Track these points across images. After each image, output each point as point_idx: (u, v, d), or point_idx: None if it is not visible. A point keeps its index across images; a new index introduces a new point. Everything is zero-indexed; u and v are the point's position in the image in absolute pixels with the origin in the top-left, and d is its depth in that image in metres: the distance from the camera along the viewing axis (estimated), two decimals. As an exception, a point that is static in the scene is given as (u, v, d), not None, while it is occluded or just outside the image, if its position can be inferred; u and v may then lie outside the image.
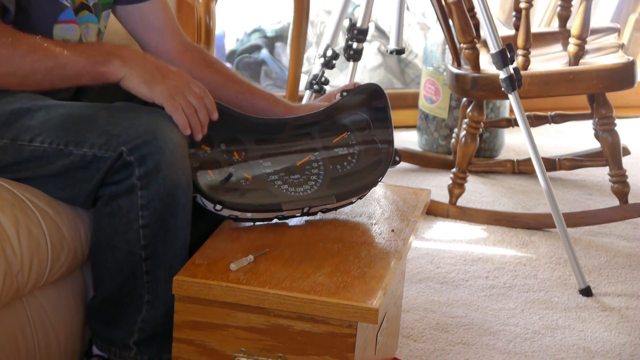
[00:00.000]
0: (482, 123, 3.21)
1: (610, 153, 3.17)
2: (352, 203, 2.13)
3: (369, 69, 4.22)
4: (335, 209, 2.10)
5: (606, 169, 3.24)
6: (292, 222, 2.06)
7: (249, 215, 1.98)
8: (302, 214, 2.05)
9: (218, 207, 1.94)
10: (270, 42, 4.34)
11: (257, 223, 2.02)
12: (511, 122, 3.40)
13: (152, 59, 1.94)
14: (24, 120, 1.92)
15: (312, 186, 2.03)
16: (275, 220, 2.03)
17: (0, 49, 1.86)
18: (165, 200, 1.88)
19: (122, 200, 1.88)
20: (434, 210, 3.23)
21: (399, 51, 3.03)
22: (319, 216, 2.08)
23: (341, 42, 3.72)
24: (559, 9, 3.37)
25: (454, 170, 3.24)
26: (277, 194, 1.99)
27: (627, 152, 3.48)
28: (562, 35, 3.34)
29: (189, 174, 1.91)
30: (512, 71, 2.77)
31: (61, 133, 1.89)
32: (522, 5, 3.03)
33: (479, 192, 3.45)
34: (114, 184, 1.88)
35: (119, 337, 1.98)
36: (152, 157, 1.84)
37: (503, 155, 3.77)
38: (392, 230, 2.08)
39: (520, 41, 3.08)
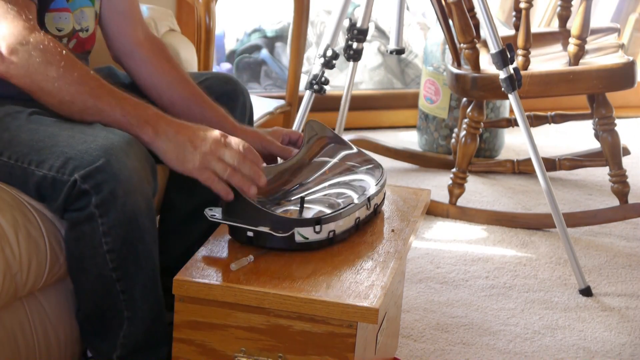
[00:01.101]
0: (482, 123, 3.21)
1: (610, 153, 3.17)
2: (384, 198, 2.16)
3: (369, 69, 4.22)
4: (382, 202, 2.13)
5: (606, 169, 3.24)
6: None
7: (341, 223, 1.97)
8: (369, 212, 2.06)
9: (317, 228, 1.93)
10: (270, 42, 4.34)
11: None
12: (511, 122, 3.40)
13: (185, 129, 1.90)
14: None
15: (351, 194, 2.06)
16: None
17: (53, 68, 1.85)
18: (128, 226, 1.85)
19: (84, 227, 1.86)
20: (434, 210, 3.23)
21: (399, 51, 3.03)
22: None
23: (341, 42, 3.72)
24: (559, 9, 3.36)
25: (454, 170, 3.24)
26: (338, 203, 2.01)
27: (627, 152, 3.48)
28: (562, 35, 3.34)
29: (148, 197, 1.88)
30: (512, 71, 2.77)
31: (25, 151, 1.89)
32: (522, 5, 3.03)
33: (479, 192, 3.45)
34: (75, 210, 1.86)
35: (104, 349, 1.97)
36: (108, 184, 1.82)
37: (503, 155, 3.78)
38: (392, 230, 2.08)
39: (520, 41, 3.08)
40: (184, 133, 1.90)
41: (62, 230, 1.94)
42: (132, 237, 1.87)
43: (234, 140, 1.91)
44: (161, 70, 2.16)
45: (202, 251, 1.92)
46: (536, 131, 3.14)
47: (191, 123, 1.93)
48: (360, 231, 2.05)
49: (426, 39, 3.78)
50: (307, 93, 2.99)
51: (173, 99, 2.14)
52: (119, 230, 1.85)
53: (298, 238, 1.92)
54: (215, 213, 1.93)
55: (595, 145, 3.44)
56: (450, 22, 3.13)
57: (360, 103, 3.99)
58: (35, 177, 1.88)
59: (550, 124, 3.42)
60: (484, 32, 2.79)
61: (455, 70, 3.16)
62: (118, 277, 1.89)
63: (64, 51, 1.87)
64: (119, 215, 1.84)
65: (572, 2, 3.32)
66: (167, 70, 2.17)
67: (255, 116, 3.21)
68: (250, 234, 1.91)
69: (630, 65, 3.10)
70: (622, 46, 3.25)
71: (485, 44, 3.04)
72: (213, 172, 1.89)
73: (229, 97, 2.20)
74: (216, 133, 1.91)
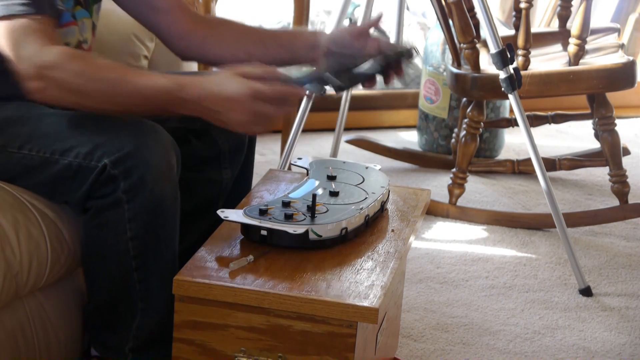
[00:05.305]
0: (482, 123, 3.21)
1: (610, 153, 3.17)
2: (389, 194, 2.17)
3: (369, 69, 4.22)
4: (387, 200, 2.15)
5: (606, 169, 3.24)
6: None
7: (353, 220, 1.97)
8: (377, 210, 2.08)
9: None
10: (270, 42, 4.34)
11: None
12: (511, 122, 3.40)
13: (207, 99, 1.82)
14: (16, 128, 1.92)
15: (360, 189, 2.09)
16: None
17: (72, 91, 1.82)
18: (153, 212, 1.86)
19: (109, 213, 1.87)
20: (434, 210, 3.23)
21: (399, 51, 3.02)
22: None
23: (341, 42, 3.71)
24: (559, 9, 3.37)
25: (454, 170, 3.24)
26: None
27: (627, 152, 3.48)
28: (562, 35, 3.34)
29: (175, 185, 1.89)
30: (512, 71, 2.77)
31: (48, 142, 1.89)
32: (522, 5, 3.04)
33: (479, 192, 3.45)
34: (101, 197, 1.86)
35: (114, 343, 1.97)
36: (137, 170, 1.82)
37: (503, 155, 3.78)
38: (392, 230, 2.08)
39: (520, 41, 3.08)
40: (207, 102, 1.82)
41: (64, 230, 1.94)
42: (156, 224, 1.87)
43: (267, 93, 1.82)
44: (223, 36, 2.16)
45: (202, 251, 1.92)
46: (536, 131, 3.14)
47: (204, 78, 1.84)
48: (361, 231, 2.05)
49: (426, 39, 3.78)
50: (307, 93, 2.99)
51: (248, 49, 2.14)
52: (144, 217, 1.86)
53: (312, 236, 1.92)
54: (228, 214, 1.93)
55: (595, 145, 3.44)
56: (450, 22, 3.13)
57: (360, 103, 3.99)
58: (57, 167, 1.87)
59: (550, 124, 3.42)
60: (484, 32, 2.79)
61: (455, 70, 3.16)
62: (137, 266, 1.90)
63: (81, 67, 1.81)
64: (146, 201, 1.85)
65: (572, 2, 3.32)
66: (227, 33, 2.17)
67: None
68: (263, 232, 1.91)
69: (630, 65, 3.10)
70: (622, 46, 3.25)
71: (485, 44, 3.04)
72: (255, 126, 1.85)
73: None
74: (243, 103, 1.81)
